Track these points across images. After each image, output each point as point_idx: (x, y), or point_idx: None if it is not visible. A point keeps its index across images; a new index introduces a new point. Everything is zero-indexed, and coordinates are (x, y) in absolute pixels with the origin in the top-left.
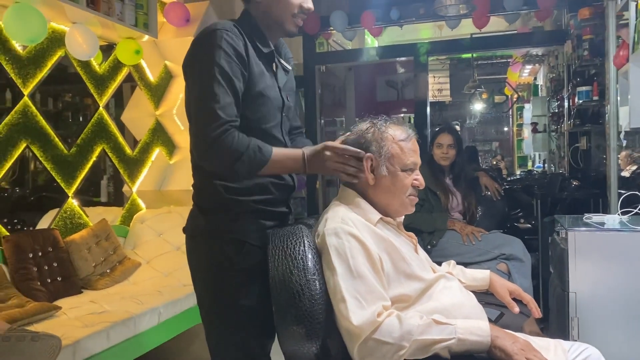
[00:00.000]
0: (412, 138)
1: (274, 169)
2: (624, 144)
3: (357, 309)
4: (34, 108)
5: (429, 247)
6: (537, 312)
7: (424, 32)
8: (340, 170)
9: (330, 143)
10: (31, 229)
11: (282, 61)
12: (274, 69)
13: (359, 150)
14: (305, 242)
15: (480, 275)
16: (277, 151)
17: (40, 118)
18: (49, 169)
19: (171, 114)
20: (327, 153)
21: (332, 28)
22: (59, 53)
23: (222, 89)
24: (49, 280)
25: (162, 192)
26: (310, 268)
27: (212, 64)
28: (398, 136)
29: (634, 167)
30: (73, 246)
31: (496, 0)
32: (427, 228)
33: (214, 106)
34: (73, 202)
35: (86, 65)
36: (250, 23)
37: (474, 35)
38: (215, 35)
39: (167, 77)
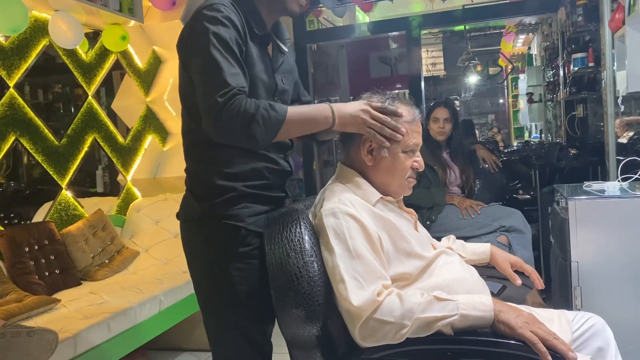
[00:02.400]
0: (417, 120)
1: (297, 128)
2: (622, 110)
3: (356, 290)
4: (20, 100)
5: (428, 222)
6: (539, 284)
7: (416, 5)
8: (376, 129)
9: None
10: (27, 222)
11: (279, 42)
12: (269, 51)
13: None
14: (302, 224)
15: (481, 249)
16: (296, 108)
17: (28, 110)
18: (40, 161)
19: (162, 100)
20: (365, 107)
21: (321, 5)
22: (43, 42)
23: (226, 59)
24: (47, 274)
25: (157, 180)
26: (307, 250)
27: (212, 35)
28: (404, 117)
29: (631, 133)
30: (69, 238)
31: None
32: (426, 204)
33: (220, 75)
34: (67, 194)
35: (72, 54)
36: (247, 1)
37: (465, 7)
38: (212, 8)
39: (155, 63)
